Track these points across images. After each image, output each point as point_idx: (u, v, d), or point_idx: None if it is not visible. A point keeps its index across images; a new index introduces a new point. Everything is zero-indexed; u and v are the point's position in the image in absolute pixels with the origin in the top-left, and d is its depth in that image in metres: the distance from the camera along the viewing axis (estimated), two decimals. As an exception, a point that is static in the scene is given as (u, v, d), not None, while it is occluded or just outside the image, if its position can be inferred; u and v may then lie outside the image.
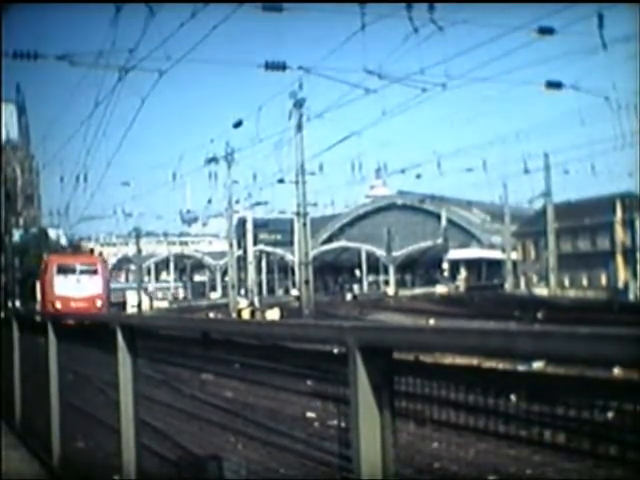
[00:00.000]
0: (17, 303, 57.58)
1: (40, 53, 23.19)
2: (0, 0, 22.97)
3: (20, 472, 8.66)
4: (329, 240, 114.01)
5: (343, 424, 3.39)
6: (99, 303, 51.44)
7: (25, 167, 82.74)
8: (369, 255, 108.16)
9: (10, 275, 58.23)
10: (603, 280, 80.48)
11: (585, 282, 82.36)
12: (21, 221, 73.84)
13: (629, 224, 78.16)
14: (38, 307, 57.42)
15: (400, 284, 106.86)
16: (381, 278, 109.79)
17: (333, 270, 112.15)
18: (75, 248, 71.54)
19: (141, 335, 5.91)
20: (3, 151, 64.81)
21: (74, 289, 51.17)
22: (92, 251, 69.93)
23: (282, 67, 26.32)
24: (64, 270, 52.40)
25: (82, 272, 52.68)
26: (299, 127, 49.95)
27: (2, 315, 16.72)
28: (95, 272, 53.48)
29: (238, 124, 46.76)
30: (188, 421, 5.20)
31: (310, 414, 4.65)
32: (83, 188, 52.59)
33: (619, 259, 79.56)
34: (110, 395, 6.20)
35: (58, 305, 48.47)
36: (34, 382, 9.84)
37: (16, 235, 66.17)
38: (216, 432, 4.92)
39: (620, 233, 79.83)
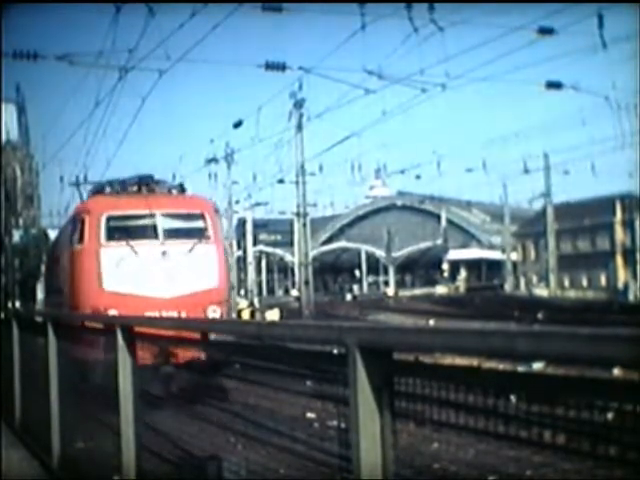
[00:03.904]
0: (17, 303, 57.04)
1: (40, 53, 23.18)
2: (0, 0, 22.96)
3: (20, 472, 8.66)
4: (329, 241, 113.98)
5: (343, 424, 3.39)
6: (213, 311, 18.08)
7: (25, 167, 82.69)
8: (369, 256, 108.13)
9: (10, 275, 57.68)
10: (603, 280, 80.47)
11: (585, 283, 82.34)
12: (21, 221, 73.75)
13: (629, 224, 78.15)
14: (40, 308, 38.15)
15: (400, 285, 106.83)
16: (381, 279, 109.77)
17: (333, 271, 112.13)
18: (142, 181, 20.65)
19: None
20: (3, 151, 64.72)
21: (153, 278, 18.26)
22: (182, 188, 21.65)
23: (282, 67, 26.33)
24: (126, 231, 18.91)
25: (172, 235, 19.03)
26: (299, 127, 49.92)
27: (2, 315, 16.97)
28: (203, 234, 19.10)
29: (238, 124, 46.67)
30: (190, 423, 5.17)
31: (310, 414, 4.64)
32: (83, 188, 52.13)
33: (619, 259, 79.55)
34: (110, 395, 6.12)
35: (112, 313, 15.24)
36: (34, 382, 9.83)
37: (16, 235, 66.06)
38: (216, 432, 4.91)
39: (620, 233, 79.82)
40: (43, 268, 39.30)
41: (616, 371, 2.93)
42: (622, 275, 77.82)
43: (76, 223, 18.98)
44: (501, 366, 3.77)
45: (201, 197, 21.96)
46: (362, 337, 3.20)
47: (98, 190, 20.11)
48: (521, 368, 4.09)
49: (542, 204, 77.34)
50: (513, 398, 2.74)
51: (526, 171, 64.64)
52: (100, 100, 23.29)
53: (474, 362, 3.85)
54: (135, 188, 19.30)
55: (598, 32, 22.09)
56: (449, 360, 3.33)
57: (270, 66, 26.08)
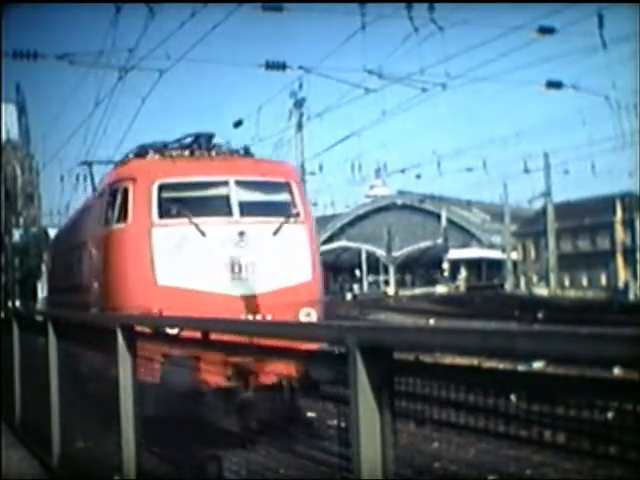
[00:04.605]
0: (17, 303, 56.91)
1: (40, 53, 23.16)
2: (0, 0, 22.96)
3: (20, 472, 8.66)
4: (329, 240, 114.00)
5: (343, 424, 3.38)
6: (306, 315, 12.58)
7: (25, 167, 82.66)
8: (369, 255, 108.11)
9: (10, 274, 57.55)
10: (603, 280, 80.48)
11: (585, 282, 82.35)
12: (21, 221, 73.70)
13: (629, 224, 78.18)
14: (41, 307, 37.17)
15: (400, 284, 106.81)
16: (381, 278, 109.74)
17: (333, 270, 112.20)
18: (199, 141, 14.61)
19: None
20: (3, 151, 64.69)
21: (226, 269, 12.65)
22: (248, 151, 15.02)
23: (282, 67, 26.31)
24: (187, 204, 13.12)
25: (251, 211, 13.14)
26: (299, 127, 49.92)
27: (2, 315, 16.67)
28: (290, 210, 13.42)
29: (238, 124, 46.63)
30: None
31: (310, 414, 4.63)
32: (83, 188, 52.08)
33: (619, 259, 79.56)
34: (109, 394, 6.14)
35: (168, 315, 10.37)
36: (34, 382, 9.84)
37: (16, 235, 66.01)
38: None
39: (620, 233, 79.83)
40: (46, 264, 35.21)
41: (616, 371, 2.93)
42: (622, 274, 77.84)
43: (113, 195, 13.71)
44: (501, 365, 3.77)
45: (283, 162, 16.61)
46: (362, 337, 3.20)
47: (140, 154, 14.65)
48: (521, 368, 4.08)
49: (542, 203, 77.35)
50: (513, 398, 2.74)
51: (526, 171, 64.61)
52: (100, 100, 23.24)
53: (474, 362, 3.85)
54: (187, 153, 14.38)
55: (598, 32, 22.09)
56: (449, 360, 3.33)
57: (270, 66, 26.08)
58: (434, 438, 3.25)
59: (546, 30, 23.61)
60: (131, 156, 15.03)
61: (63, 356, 8.42)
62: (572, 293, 73.95)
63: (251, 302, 12.29)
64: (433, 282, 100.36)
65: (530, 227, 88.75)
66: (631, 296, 67.19)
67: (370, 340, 3.19)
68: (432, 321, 35.36)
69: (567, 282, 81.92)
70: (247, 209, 13.05)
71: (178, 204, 13.03)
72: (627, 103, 38.63)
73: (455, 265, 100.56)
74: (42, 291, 54.87)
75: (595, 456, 3.24)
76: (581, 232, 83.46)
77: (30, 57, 23.11)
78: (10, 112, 76.38)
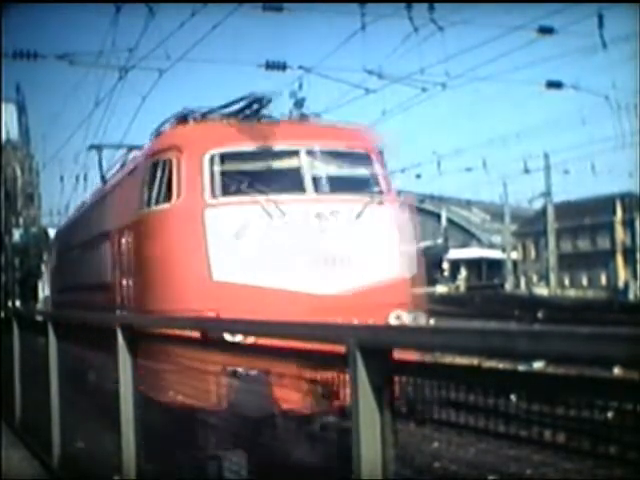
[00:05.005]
0: (17, 303, 56.88)
1: (40, 53, 23.16)
2: (0, 0, 22.97)
3: (20, 472, 8.66)
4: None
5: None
6: (396, 318, 10.07)
7: (25, 167, 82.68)
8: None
9: (10, 274, 57.54)
10: (603, 280, 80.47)
11: (585, 282, 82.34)
12: (21, 221, 73.71)
13: (629, 224, 78.16)
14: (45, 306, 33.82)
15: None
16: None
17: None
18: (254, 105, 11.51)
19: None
20: (3, 151, 64.69)
21: (301, 262, 10.16)
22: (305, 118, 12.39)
23: (282, 67, 26.32)
24: (249, 179, 10.57)
25: (329, 187, 10.69)
26: (299, 127, 49.86)
27: (2, 315, 16.63)
28: (374, 188, 11.05)
29: (238, 124, 46.66)
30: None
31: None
32: (84, 188, 51.99)
33: (619, 259, 79.55)
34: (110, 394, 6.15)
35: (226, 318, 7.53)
36: (34, 382, 9.83)
37: (16, 235, 66.02)
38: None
39: (620, 233, 79.82)
40: (49, 262, 32.37)
41: (616, 371, 2.93)
42: (622, 274, 77.83)
43: (152, 171, 11.15)
44: (501, 365, 3.77)
45: (359, 127, 12.67)
46: (362, 336, 3.19)
47: (181, 121, 12.01)
48: (521, 367, 4.09)
49: (542, 203, 77.34)
50: (513, 397, 2.74)
51: (526, 171, 64.59)
52: (100, 100, 23.21)
53: (474, 362, 3.85)
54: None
55: (598, 32, 22.08)
56: (449, 359, 3.33)
57: (270, 66, 26.07)
58: (434, 438, 3.25)
59: (546, 30, 23.60)
60: (168, 127, 12.31)
61: (63, 356, 8.42)
62: (572, 293, 73.94)
63: (334, 302, 9.77)
64: (433, 282, 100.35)
65: (530, 227, 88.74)
66: (631, 296, 67.17)
67: (370, 340, 3.19)
68: (432, 321, 35.33)
69: (567, 282, 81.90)
70: (323, 185, 10.60)
71: (237, 179, 10.51)
72: (627, 103, 38.61)
73: (455, 265, 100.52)
74: (43, 291, 54.82)
75: (595, 456, 3.24)
76: (581, 232, 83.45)
77: (30, 57, 23.10)
78: (10, 112, 76.39)
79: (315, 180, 10.63)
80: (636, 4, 22.21)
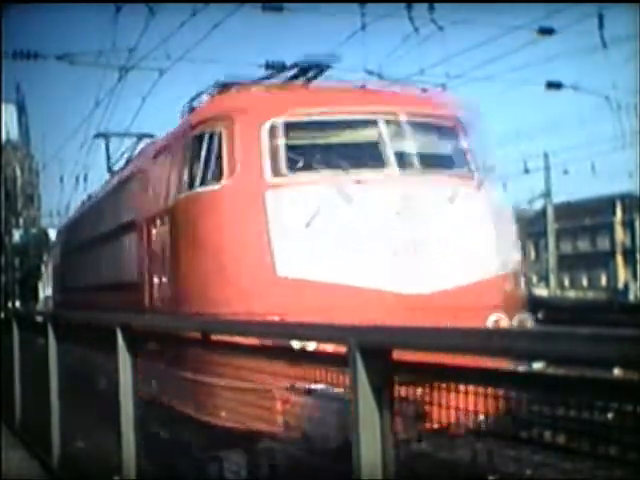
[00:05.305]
0: (17, 303, 56.82)
1: (40, 53, 23.16)
2: (0, 0, 22.98)
3: (20, 472, 8.66)
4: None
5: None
6: (494, 320, 8.34)
7: (25, 167, 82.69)
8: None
9: (10, 275, 57.49)
10: (603, 280, 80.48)
11: (585, 282, 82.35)
12: (21, 221, 73.72)
13: (629, 224, 78.18)
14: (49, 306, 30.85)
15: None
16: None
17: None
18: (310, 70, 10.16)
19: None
20: (3, 151, 64.67)
21: (384, 255, 8.36)
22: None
23: (282, 67, 26.34)
24: (318, 154, 8.97)
25: (415, 164, 8.96)
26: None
27: (2, 315, 16.59)
28: (462, 166, 9.43)
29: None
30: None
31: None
32: (83, 188, 51.79)
33: (619, 259, 79.56)
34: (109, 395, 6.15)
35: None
36: (34, 382, 9.83)
37: (16, 235, 66.02)
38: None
39: (620, 233, 79.83)
40: (52, 259, 30.24)
41: (616, 371, 2.93)
42: (622, 275, 77.83)
43: (196, 145, 9.49)
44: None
45: (443, 94, 11.06)
46: (362, 336, 3.19)
47: (222, 91, 10.30)
48: (521, 368, 4.07)
49: (542, 204, 77.35)
50: (512, 396, 2.74)
51: (526, 171, 64.58)
52: (100, 100, 23.21)
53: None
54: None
55: (598, 32, 22.08)
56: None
57: (270, 66, 26.08)
58: (434, 438, 3.25)
59: (546, 30, 23.60)
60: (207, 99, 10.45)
61: (63, 357, 8.42)
62: (572, 293, 73.94)
63: (421, 304, 8.13)
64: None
65: (530, 227, 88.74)
66: (631, 297, 67.18)
67: (370, 340, 3.19)
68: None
69: (567, 282, 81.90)
70: (408, 162, 8.88)
71: (303, 153, 8.82)
72: (627, 103, 38.63)
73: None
74: (44, 291, 54.74)
75: (595, 457, 3.24)
76: (581, 233, 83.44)
77: (30, 57, 23.10)
78: (10, 112, 76.40)
79: (398, 155, 8.82)
80: (636, 4, 22.22)
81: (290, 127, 8.93)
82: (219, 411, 4.46)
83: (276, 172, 8.77)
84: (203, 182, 9.25)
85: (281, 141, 8.85)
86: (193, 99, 11.02)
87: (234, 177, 8.90)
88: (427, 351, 2.91)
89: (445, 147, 9.46)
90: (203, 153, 9.30)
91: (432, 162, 9.19)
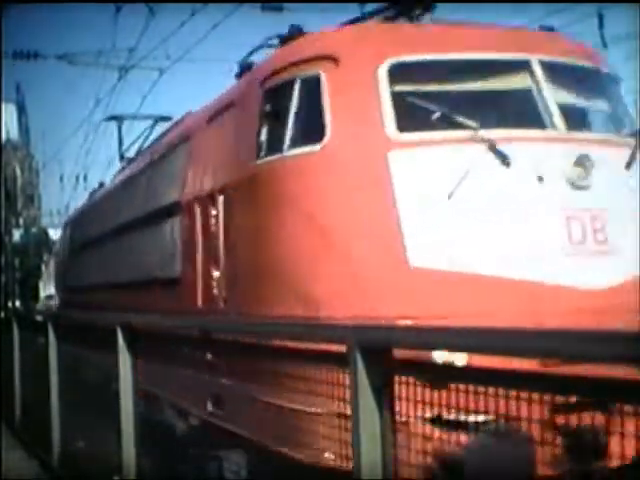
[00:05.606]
0: (17, 303, 56.80)
1: (40, 53, 23.16)
2: (0, 0, 22.98)
3: (20, 472, 8.66)
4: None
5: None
6: None
7: (25, 167, 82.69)
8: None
9: (10, 275, 57.48)
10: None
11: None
12: (21, 221, 73.68)
13: None
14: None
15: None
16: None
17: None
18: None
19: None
20: (3, 151, 64.67)
21: (549, 238, 5.97)
22: None
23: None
24: (454, 105, 6.47)
25: (578, 123, 6.83)
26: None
27: (2, 315, 16.47)
28: (622, 125, 7.11)
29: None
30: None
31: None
32: (84, 188, 51.69)
33: None
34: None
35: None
36: (34, 382, 9.83)
37: (16, 235, 65.96)
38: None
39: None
40: (56, 254, 28.02)
41: (617, 371, 2.93)
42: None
43: (283, 93, 7.22)
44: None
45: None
46: (362, 336, 3.19)
47: (293, 35, 7.90)
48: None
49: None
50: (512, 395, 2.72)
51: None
52: (100, 99, 23.21)
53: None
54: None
55: (598, 32, 22.09)
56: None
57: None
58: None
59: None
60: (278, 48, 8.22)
61: (63, 356, 8.42)
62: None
63: (602, 301, 6.03)
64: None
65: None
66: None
67: (370, 340, 3.19)
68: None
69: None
70: (573, 118, 6.92)
71: (434, 103, 6.61)
72: (627, 103, 38.61)
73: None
74: (44, 291, 54.72)
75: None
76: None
77: (30, 57, 23.11)
78: (10, 112, 76.40)
79: (562, 109, 6.76)
80: (636, 4, 22.22)
81: (413, 69, 6.81)
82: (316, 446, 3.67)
83: (402, 127, 6.51)
84: (293, 145, 6.91)
85: (406, 87, 6.73)
86: (250, 54, 8.93)
87: (343, 134, 6.61)
88: (427, 351, 2.88)
89: (606, 103, 7.54)
90: (292, 107, 6.98)
91: (600, 122, 7.45)
